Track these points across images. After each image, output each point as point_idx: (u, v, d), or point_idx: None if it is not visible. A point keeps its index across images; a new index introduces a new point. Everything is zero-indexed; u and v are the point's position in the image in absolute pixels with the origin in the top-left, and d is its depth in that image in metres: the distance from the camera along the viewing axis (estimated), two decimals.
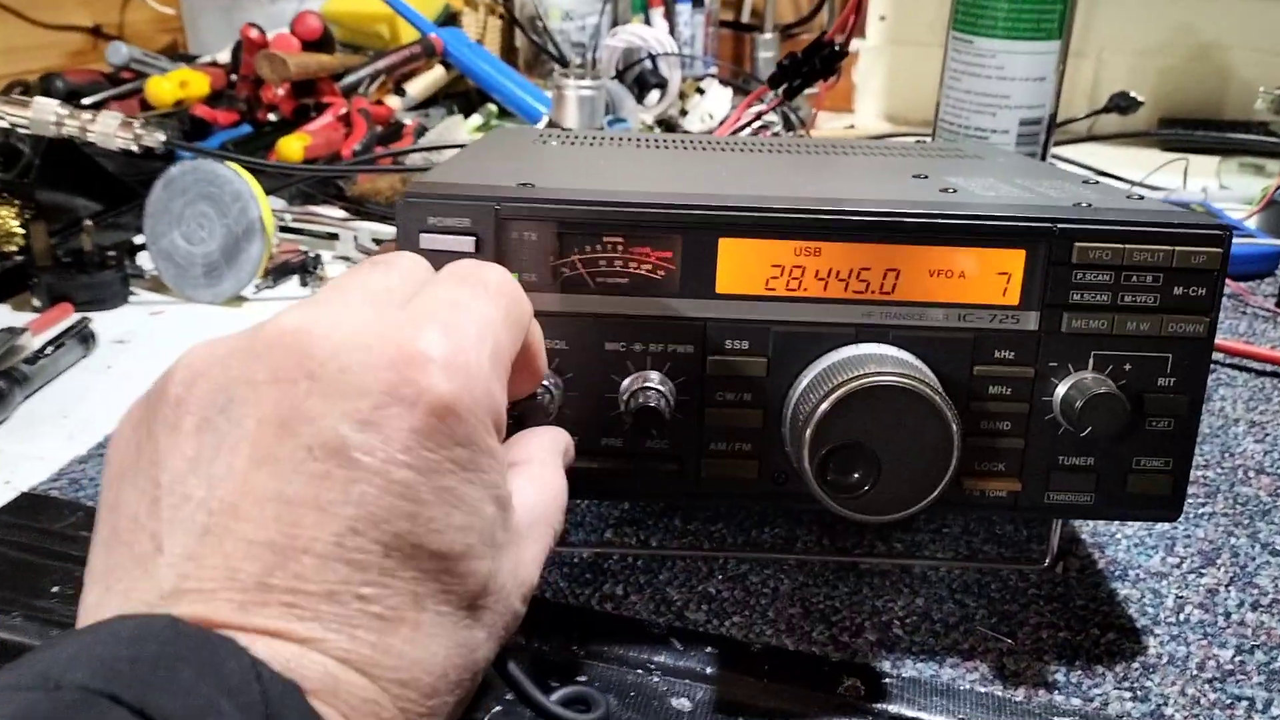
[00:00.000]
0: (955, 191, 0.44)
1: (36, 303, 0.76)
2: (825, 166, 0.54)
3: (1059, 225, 0.39)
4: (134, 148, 0.76)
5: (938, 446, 0.37)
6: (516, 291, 0.33)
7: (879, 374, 0.37)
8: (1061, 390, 0.40)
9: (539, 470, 0.35)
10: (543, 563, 0.32)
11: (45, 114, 0.75)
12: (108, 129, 0.75)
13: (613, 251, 0.39)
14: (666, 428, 0.40)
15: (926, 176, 0.49)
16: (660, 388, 0.40)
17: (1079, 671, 0.42)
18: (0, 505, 0.52)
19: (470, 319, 0.30)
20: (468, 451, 0.28)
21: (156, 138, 0.77)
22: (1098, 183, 0.49)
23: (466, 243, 0.39)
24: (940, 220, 0.39)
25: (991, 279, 0.39)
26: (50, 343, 0.67)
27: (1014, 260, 0.39)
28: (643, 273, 0.40)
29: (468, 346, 0.29)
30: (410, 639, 0.26)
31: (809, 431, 0.37)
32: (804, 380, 0.39)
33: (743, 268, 0.39)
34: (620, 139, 0.60)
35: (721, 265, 0.39)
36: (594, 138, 0.60)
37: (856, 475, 0.37)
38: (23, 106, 0.75)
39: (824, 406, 0.37)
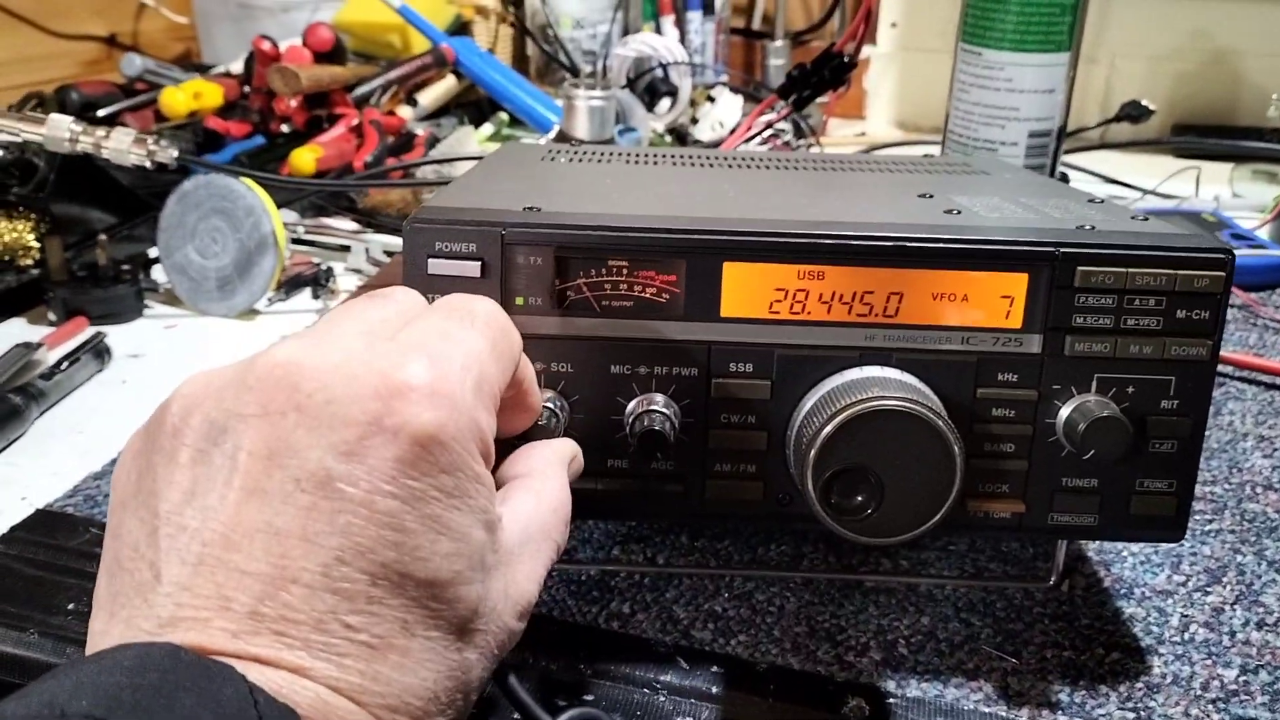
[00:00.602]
0: (959, 213, 0.44)
1: (52, 317, 0.77)
2: (831, 185, 0.54)
3: (1061, 249, 0.39)
4: (148, 164, 0.77)
5: (941, 470, 0.37)
6: (505, 324, 0.34)
7: (882, 398, 0.37)
8: (1065, 413, 0.40)
9: (539, 483, 0.35)
10: (543, 577, 0.33)
11: (60, 131, 0.75)
12: (121, 145, 0.76)
13: (617, 275, 0.40)
14: (671, 450, 0.41)
15: (932, 196, 0.49)
16: (665, 410, 0.40)
17: (1083, 692, 0.42)
18: (16, 522, 0.52)
19: (456, 349, 0.30)
20: (453, 479, 0.28)
21: (170, 154, 0.78)
22: (1103, 201, 0.49)
23: (472, 267, 0.39)
24: (943, 244, 0.39)
25: (995, 302, 0.40)
26: (66, 358, 0.68)
27: (1017, 284, 0.39)
28: (647, 296, 0.40)
29: (451, 375, 0.29)
30: (399, 665, 0.27)
31: (812, 454, 0.37)
32: (808, 403, 0.40)
33: (747, 291, 0.40)
34: (626, 155, 0.61)
35: (726, 289, 0.40)
36: (600, 154, 0.61)
37: (860, 498, 0.38)
38: (38, 123, 0.76)
39: (827, 430, 0.37)
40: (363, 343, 0.30)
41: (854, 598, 0.47)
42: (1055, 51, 0.76)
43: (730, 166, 0.58)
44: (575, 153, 0.61)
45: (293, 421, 0.27)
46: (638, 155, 0.61)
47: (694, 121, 1.29)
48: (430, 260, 0.39)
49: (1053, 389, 0.40)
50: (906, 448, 0.37)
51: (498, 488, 0.35)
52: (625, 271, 0.40)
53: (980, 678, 0.42)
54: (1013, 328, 0.40)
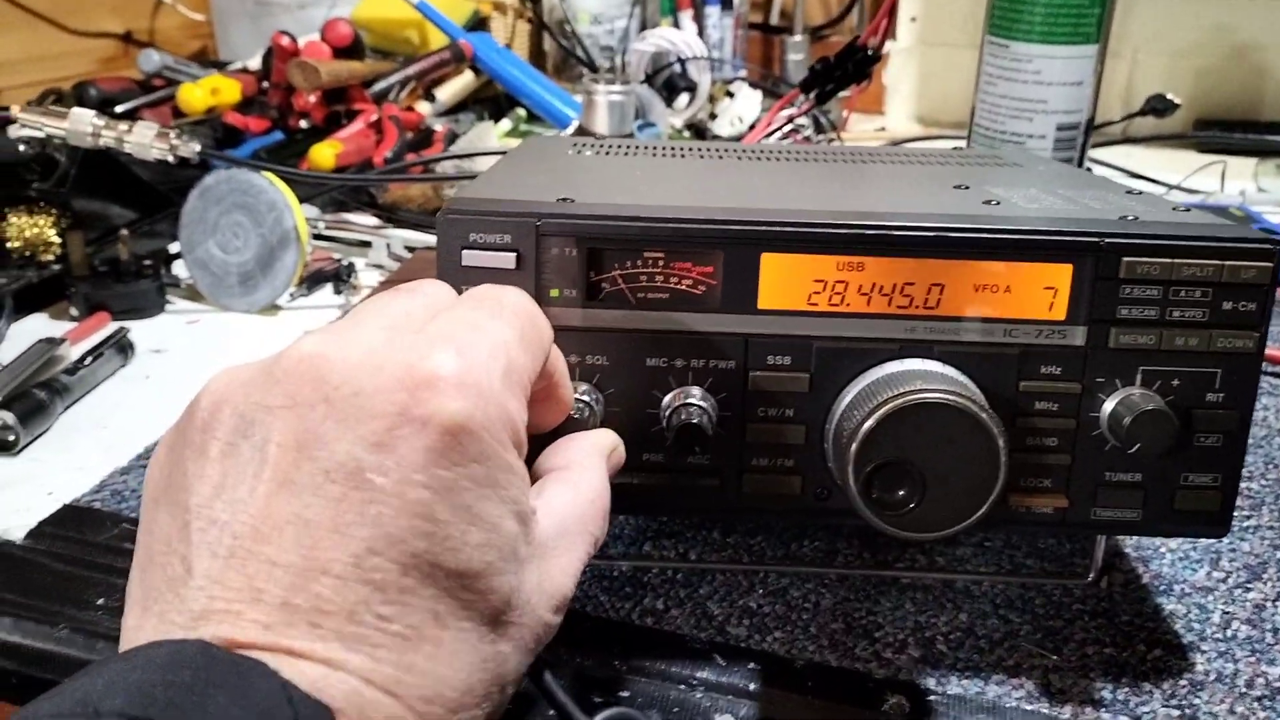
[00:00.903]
0: (998, 204, 0.43)
1: (74, 312, 0.77)
2: (864, 176, 0.53)
3: (1106, 239, 0.38)
4: (170, 158, 0.77)
5: (984, 464, 0.37)
6: (534, 313, 0.34)
7: (924, 390, 0.36)
8: (1109, 406, 0.39)
9: (577, 475, 0.35)
10: (579, 570, 0.32)
11: (82, 125, 0.75)
12: (144, 139, 0.76)
13: (654, 267, 0.39)
14: (708, 444, 0.40)
15: (967, 187, 0.48)
16: (702, 404, 0.40)
17: (1126, 689, 0.41)
18: (43, 517, 0.52)
19: (482, 338, 0.30)
20: (484, 468, 0.28)
21: (192, 148, 0.77)
22: (1141, 193, 0.48)
23: (507, 259, 0.39)
24: (985, 234, 0.39)
25: (1037, 294, 0.39)
26: (89, 353, 0.67)
27: (1060, 275, 0.39)
28: (684, 288, 0.39)
29: (478, 365, 0.29)
30: (432, 656, 0.27)
31: (853, 448, 0.37)
32: (847, 396, 0.39)
33: (785, 283, 0.39)
34: (653, 148, 0.60)
35: (763, 280, 0.39)
36: (627, 147, 0.60)
37: (902, 493, 0.37)
38: (59, 117, 0.76)
39: (868, 424, 0.36)
40: (386, 336, 0.30)
41: (890, 594, 0.47)
42: (1084, 43, 0.76)
43: (756, 159, 0.57)
44: (601, 146, 0.60)
45: (321, 414, 0.27)
46: (662, 149, 0.60)
47: (713, 117, 1.28)
48: (464, 252, 0.39)
49: (1097, 382, 0.40)
50: (949, 442, 0.36)
51: (535, 480, 0.34)
52: (661, 263, 0.39)
53: (1021, 675, 0.42)
54: (1056, 320, 0.39)
